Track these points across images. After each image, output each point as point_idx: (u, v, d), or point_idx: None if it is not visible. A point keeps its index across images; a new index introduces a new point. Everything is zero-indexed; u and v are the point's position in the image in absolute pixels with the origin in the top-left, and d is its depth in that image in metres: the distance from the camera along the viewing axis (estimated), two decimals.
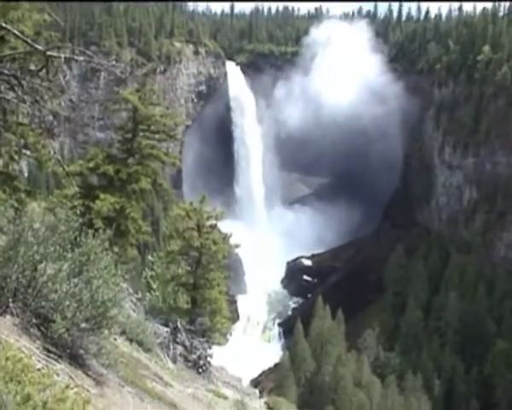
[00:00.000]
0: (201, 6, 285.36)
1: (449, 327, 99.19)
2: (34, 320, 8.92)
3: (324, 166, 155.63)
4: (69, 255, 9.60)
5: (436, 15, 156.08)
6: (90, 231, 10.44)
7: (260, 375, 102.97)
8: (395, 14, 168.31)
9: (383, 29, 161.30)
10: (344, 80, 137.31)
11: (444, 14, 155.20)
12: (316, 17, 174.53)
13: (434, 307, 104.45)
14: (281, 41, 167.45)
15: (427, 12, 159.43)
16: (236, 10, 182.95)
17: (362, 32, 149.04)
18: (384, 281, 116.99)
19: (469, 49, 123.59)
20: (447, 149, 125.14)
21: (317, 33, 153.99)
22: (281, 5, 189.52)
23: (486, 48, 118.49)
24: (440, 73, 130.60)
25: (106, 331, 9.82)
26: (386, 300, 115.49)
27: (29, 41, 11.46)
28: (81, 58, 12.83)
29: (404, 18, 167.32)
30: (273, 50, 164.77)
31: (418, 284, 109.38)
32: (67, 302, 9.04)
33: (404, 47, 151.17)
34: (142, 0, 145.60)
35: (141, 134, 25.08)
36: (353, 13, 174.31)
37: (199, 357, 18.85)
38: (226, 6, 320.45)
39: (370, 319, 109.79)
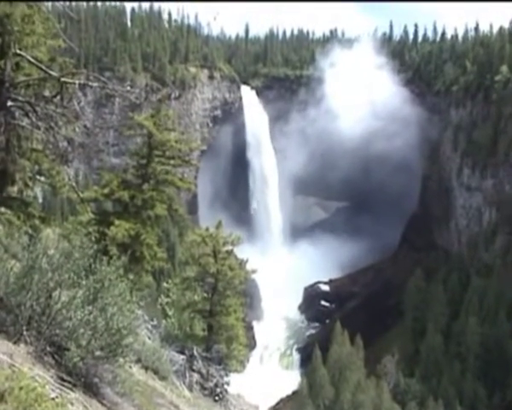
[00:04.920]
0: (216, 30, 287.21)
1: (470, 352, 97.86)
2: (48, 348, 8.90)
3: (341, 189, 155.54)
4: (83, 282, 9.60)
5: (452, 36, 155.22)
6: (105, 258, 10.43)
7: (278, 403, 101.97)
8: (411, 36, 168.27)
9: (399, 50, 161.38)
10: (359, 103, 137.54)
11: (460, 34, 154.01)
12: (330, 40, 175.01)
13: (455, 331, 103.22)
14: (296, 64, 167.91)
15: (444, 33, 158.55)
16: (251, 34, 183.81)
17: (377, 55, 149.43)
18: (403, 305, 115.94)
19: (487, 70, 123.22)
20: (466, 170, 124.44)
21: (330, 56, 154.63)
22: (296, 28, 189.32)
23: (504, 68, 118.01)
24: (458, 93, 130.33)
25: (121, 359, 9.77)
26: (406, 325, 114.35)
27: (43, 67, 11.57)
28: (95, 84, 12.93)
29: (420, 39, 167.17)
30: (288, 74, 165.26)
31: (438, 308, 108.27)
32: (82, 330, 9.02)
33: (421, 68, 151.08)
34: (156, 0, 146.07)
35: (156, 160, 25.21)
36: (368, 34, 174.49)
37: (215, 385, 18.73)
38: (241, 30, 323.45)
39: (390, 344, 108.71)
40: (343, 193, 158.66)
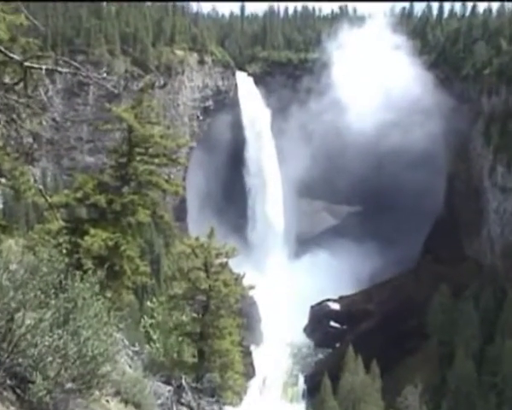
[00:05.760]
0: (207, 7, 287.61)
1: (507, 382, 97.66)
2: (9, 382, 8.81)
3: (352, 191, 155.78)
4: (52, 302, 9.53)
5: (485, 10, 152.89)
6: (78, 273, 10.38)
7: None
8: (435, 11, 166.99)
9: (420, 29, 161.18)
10: (373, 91, 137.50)
11: (494, 8, 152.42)
12: (340, 17, 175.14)
13: (488, 357, 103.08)
14: (300, 47, 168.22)
15: (474, 6, 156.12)
16: (247, 12, 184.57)
17: (394, 34, 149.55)
18: (427, 327, 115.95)
19: None
20: (499, 168, 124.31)
21: (339, 37, 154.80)
22: (299, 5, 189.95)
23: None
24: (490, 78, 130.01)
25: (96, 392, 9.72)
26: (430, 350, 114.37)
27: (2, 49, 11.47)
28: (66, 70, 12.85)
29: (445, 15, 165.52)
30: (291, 58, 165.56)
31: (468, 330, 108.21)
32: (50, 358, 8.95)
33: (446, 49, 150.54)
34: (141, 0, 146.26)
35: (137, 158, 25.13)
36: (384, 11, 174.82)
37: None
38: (236, 7, 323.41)
39: (411, 372, 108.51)
40: (354, 196, 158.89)
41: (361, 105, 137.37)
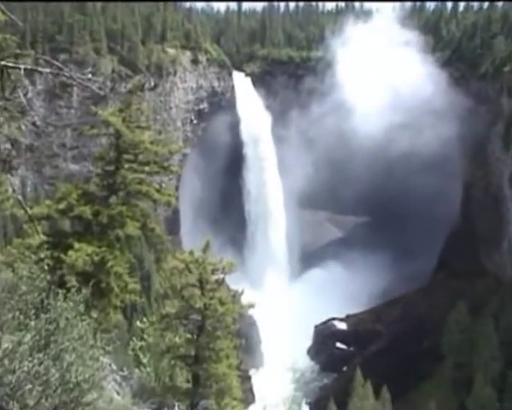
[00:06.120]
0: (201, 2, 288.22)
1: None
2: None
3: (359, 201, 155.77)
4: (32, 324, 9.48)
5: (504, 3, 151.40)
6: (61, 292, 10.33)
7: None
8: (449, 4, 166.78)
9: (434, 23, 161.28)
10: (382, 91, 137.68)
11: None
12: (345, 12, 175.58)
13: (510, 382, 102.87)
14: (302, 44, 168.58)
15: None
16: (245, 7, 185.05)
17: (404, 29, 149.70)
18: (442, 348, 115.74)
19: None
20: None
21: (345, 33, 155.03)
22: None
23: None
24: (510, 76, 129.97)
25: None
26: (446, 373, 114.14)
27: None
28: (47, 70, 12.81)
29: (461, 7, 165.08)
30: (292, 56, 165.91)
31: (488, 351, 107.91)
32: (29, 386, 8.88)
33: (462, 45, 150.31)
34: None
35: (126, 166, 25.13)
36: (394, 5, 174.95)
37: None
38: (232, 2, 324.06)
39: (425, 398, 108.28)
40: (361, 205, 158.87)
41: (368, 106, 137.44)
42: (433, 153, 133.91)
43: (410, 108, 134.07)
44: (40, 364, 9.06)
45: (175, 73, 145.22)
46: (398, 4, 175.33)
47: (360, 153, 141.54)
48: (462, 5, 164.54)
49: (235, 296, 26.69)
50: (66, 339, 9.53)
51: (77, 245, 23.08)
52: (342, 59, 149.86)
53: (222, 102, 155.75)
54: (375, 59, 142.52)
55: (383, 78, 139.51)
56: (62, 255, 22.62)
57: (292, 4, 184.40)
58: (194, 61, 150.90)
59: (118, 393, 18.68)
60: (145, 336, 29.11)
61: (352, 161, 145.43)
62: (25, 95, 13.28)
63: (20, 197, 19.09)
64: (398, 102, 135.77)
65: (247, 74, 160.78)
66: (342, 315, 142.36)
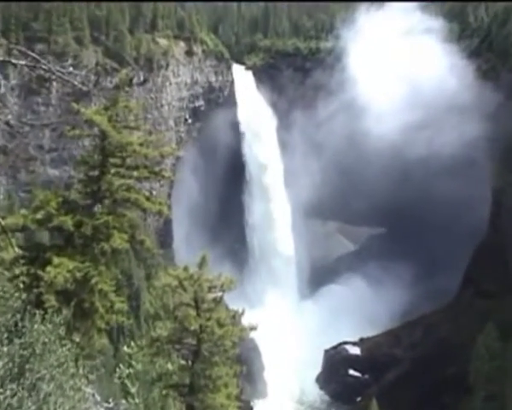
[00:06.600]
0: None
1: None
2: None
3: (373, 210, 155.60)
4: (5, 349, 9.44)
5: None
6: (38, 313, 10.31)
7: None
8: None
9: (459, 9, 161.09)
10: (398, 87, 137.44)
11: None
12: None
13: None
14: (310, 34, 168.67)
15: None
16: None
17: (425, 16, 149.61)
18: (469, 377, 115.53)
19: None
20: None
21: (357, 21, 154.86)
22: None
23: None
24: None
25: None
26: (474, 405, 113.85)
27: None
28: (22, 62, 12.80)
29: None
30: (299, 47, 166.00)
31: None
32: None
33: (492, 33, 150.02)
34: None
35: (112, 171, 25.14)
36: None
37: None
38: None
39: None
40: (375, 215, 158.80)
41: (382, 104, 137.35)
42: (457, 155, 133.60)
43: (431, 106, 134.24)
44: (13, 395, 9.02)
45: (167, 66, 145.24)
46: None
47: (373, 157, 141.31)
48: None
49: (235, 317, 26.69)
50: (43, 367, 9.48)
51: (56, 260, 23.02)
52: (354, 50, 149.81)
53: (220, 99, 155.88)
54: (392, 50, 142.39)
55: (400, 71, 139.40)
56: (40, 272, 22.57)
57: None
58: (189, 53, 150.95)
59: None
60: (133, 363, 29.05)
61: (364, 166, 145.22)
62: None
63: None
64: (416, 99, 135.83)
65: (248, 68, 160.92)
66: (355, 338, 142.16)
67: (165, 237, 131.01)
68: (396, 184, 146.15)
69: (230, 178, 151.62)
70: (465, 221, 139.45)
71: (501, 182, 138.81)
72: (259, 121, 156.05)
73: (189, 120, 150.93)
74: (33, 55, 13.37)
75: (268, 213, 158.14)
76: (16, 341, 9.64)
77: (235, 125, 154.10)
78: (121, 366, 29.69)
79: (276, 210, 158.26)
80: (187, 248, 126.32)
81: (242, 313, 27.30)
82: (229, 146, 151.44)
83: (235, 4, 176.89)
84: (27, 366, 9.45)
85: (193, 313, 25.08)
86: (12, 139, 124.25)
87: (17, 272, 20.56)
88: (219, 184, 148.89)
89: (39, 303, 18.99)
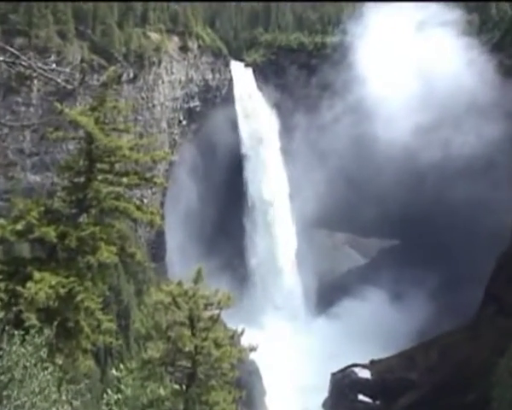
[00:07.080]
0: None
1: None
2: None
3: (385, 220, 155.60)
4: None
5: None
6: (18, 333, 10.26)
7: None
8: None
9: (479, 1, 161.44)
10: (411, 86, 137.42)
11: None
12: None
13: None
14: (315, 28, 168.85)
15: None
16: None
17: (442, 8, 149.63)
18: (491, 403, 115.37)
19: None
20: None
21: (366, 14, 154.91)
22: None
23: None
24: None
25: None
26: None
27: None
28: (0, 58, 12.78)
29: None
30: (303, 42, 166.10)
31: None
32: None
33: None
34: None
35: (99, 177, 25.15)
36: None
37: None
38: None
39: None
40: (387, 225, 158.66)
41: (393, 104, 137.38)
42: (475, 158, 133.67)
43: (447, 105, 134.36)
44: None
45: (159, 63, 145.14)
46: None
47: (384, 161, 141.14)
48: None
49: (234, 337, 26.67)
50: (23, 393, 9.41)
51: (38, 275, 22.98)
52: (363, 45, 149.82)
53: (217, 98, 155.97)
54: (404, 44, 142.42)
55: (413, 68, 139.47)
56: (19, 288, 22.54)
57: None
58: (183, 49, 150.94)
59: None
60: (122, 387, 28.99)
61: (374, 172, 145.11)
62: None
63: None
64: (431, 98, 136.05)
65: (247, 65, 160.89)
66: (365, 360, 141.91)
67: (157, 249, 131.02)
68: (409, 191, 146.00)
69: (230, 185, 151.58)
70: (485, 230, 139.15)
71: None
72: (260, 123, 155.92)
73: (184, 122, 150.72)
74: (12, 50, 13.36)
75: (269, 223, 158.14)
76: None
77: (233, 127, 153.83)
78: (109, 390, 29.62)
79: (278, 220, 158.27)
80: (181, 260, 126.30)
81: (241, 333, 27.27)
82: (226, 150, 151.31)
83: None
84: (5, 393, 9.39)
85: (187, 332, 25.04)
86: None
87: None
88: (215, 191, 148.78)
89: (19, 322, 18.91)
